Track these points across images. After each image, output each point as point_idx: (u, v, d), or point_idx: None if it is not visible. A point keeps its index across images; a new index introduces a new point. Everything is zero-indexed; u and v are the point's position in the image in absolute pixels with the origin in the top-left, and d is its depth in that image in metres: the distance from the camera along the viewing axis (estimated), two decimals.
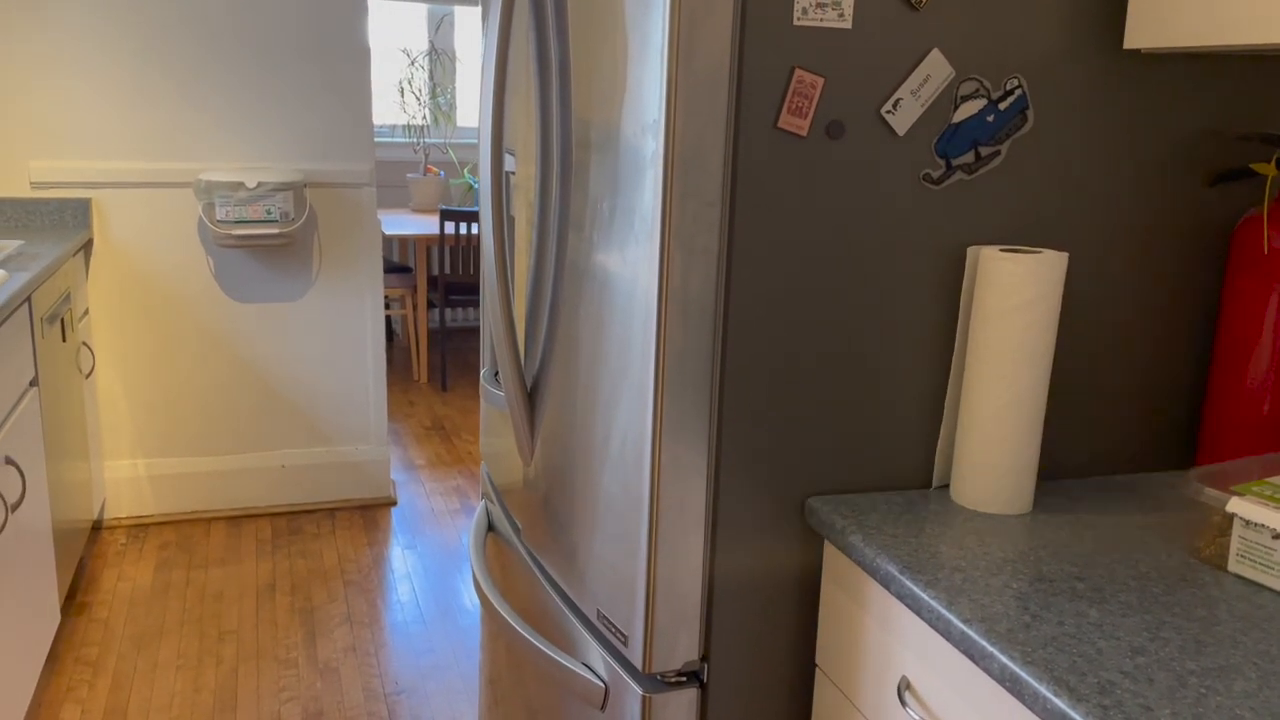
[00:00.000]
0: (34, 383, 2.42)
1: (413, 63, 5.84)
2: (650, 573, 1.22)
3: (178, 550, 3.23)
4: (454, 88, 5.95)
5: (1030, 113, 1.22)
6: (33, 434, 2.36)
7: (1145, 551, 1.14)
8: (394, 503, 3.65)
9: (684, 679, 1.27)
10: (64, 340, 2.81)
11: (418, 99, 5.84)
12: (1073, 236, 1.28)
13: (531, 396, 1.55)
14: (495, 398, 1.71)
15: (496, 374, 1.76)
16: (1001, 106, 1.21)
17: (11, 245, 2.73)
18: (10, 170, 3.15)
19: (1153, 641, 0.95)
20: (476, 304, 5.06)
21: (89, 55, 3.13)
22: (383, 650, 2.70)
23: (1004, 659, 0.91)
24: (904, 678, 1.10)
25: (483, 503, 1.92)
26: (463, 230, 4.71)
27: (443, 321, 4.92)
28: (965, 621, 0.97)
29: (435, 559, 3.24)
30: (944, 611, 1.00)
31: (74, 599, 2.90)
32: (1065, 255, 1.17)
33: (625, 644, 1.27)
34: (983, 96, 1.20)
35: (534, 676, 1.63)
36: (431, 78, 5.88)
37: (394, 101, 5.84)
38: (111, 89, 3.17)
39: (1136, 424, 1.37)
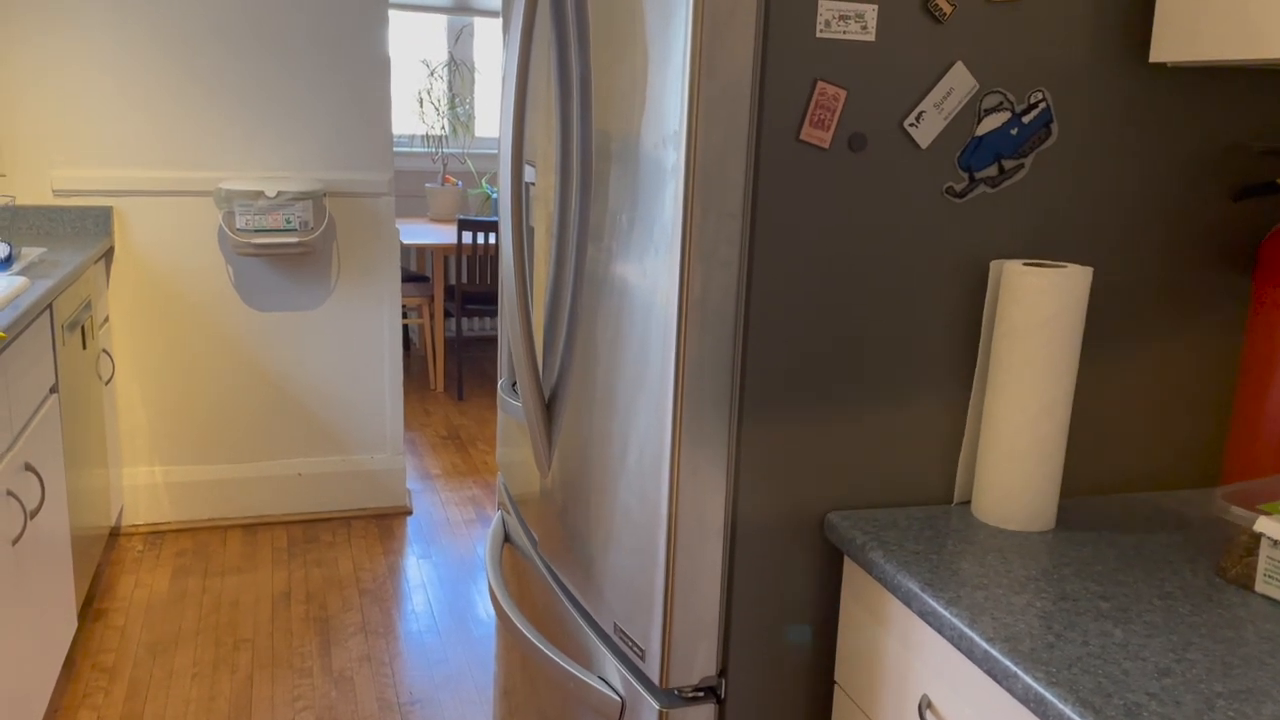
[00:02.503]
0: (54, 389, 2.43)
1: (432, 73, 5.87)
2: (668, 586, 1.21)
3: (194, 557, 3.24)
4: (472, 98, 5.97)
5: (1054, 126, 1.21)
6: (52, 441, 2.37)
7: (1170, 570, 1.12)
8: (409, 512, 3.66)
9: (701, 694, 1.26)
10: (84, 347, 2.82)
11: (436, 109, 5.86)
12: (1097, 251, 1.27)
13: (549, 407, 1.54)
14: (513, 408, 1.71)
15: (514, 384, 1.76)
16: (1025, 119, 1.20)
17: (34, 253, 2.75)
18: (33, 178, 3.17)
19: (1179, 663, 0.93)
20: (493, 313, 5.06)
21: (111, 64, 3.16)
22: (397, 660, 2.70)
23: (1028, 679, 0.90)
24: (925, 696, 1.09)
25: (499, 513, 1.92)
26: (480, 240, 4.72)
27: (459, 331, 4.92)
28: (988, 640, 0.96)
29: (450, 569, 3.24)
30: (966, 630, 0.98)
31: (91, 605, 2.91)
32: (1090, 270, 1.16)
33: (642, 658, 1.26)
34: (1007, 109, 1.19)
35: (549, 689, 1.62)
36: (450, 88, 5.91)
37: (413, 112, 5.87)
38: (133, 98, 3.20)
39: (1160, 440, 1.35)
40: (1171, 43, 1.17)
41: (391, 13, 5.71)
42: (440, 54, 5.90)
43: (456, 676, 2.64)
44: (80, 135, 3.18)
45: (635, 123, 1.22)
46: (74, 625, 2.54)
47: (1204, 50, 1.13)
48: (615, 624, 1.33)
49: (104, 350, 3.16)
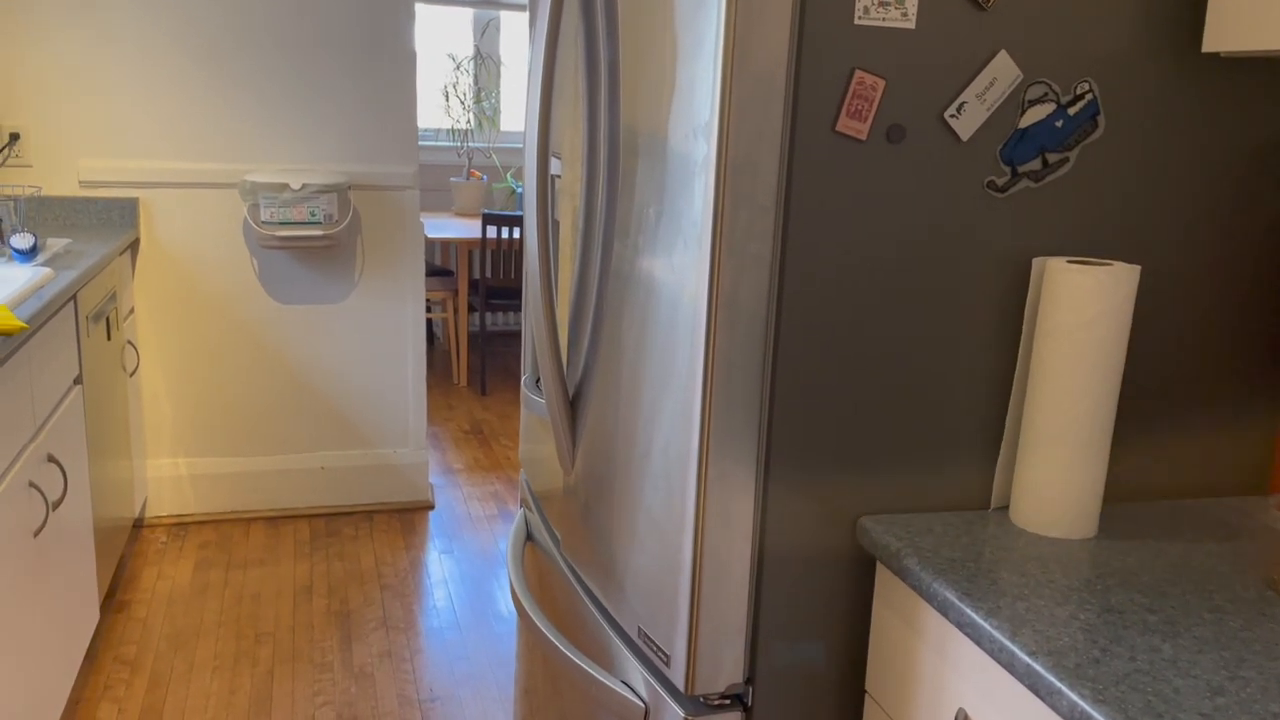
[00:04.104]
0: (78, 380, 2.43)
1: (458, 67, 5.85)
2: (694, 591, 1.17)
3: (217, 550, 3.24)
4: (498, 92, 5.95)
5: (1101, 118, 1.17)
6: (75, 432, 2.36)
7: (1220, 582, 1.08)
8: (432, 506, 3.64)
9: (727, 702, 1.22)
10: (109, 339, 2.82)
11: (462, 103, 5.84)
12: (1144, 249, 1.22)
13: (573, 404, 1.51)
14: (536, 405, 1.68)
15: (538, 380, 1.73)
16: (1071, 111, 1.15)
17: (59, 243, 2.74)
18: (59, 169, 3.17)
19: (1232, 681, 0.89)
20: (517, 308, 5.04)
21: (138, 57, 3.16)
22: (418, 656, 2.68)
23: (1073, 696, 0.86)
24: (961, 710, 1.05)
25: (521, 511, 1.89)
26: (504, 234, 4.70)
27: (483, 325, 4.91)
28: (1031, 654, 0.92)
29: (472, 564, 3.22)
30: (1007, 643, 0.94)
31: (113, 597, 2.92)
32: (1137, 268, 1.12)
33: (667, 664, 1.23)
34: (1051, 101, 1.15)
35: (570, 690, 1.59)
36: (476, 82, 5.89)
37: (438, 105, 5.85)
38: (160, 90, 3.19)
39: (1208, 446, 1.30)
40: (1225, 31, 1.12)
41: (418, 6, 5.70)
42: (466, 48, 5.88)
43: (477, 674, 2.62)
44: (107, 127, 3.18)
45: (664, 114, 1.19)
46: (96, 616, 2.54)
47: (1260, 39, 1.08)
48: (639, 627, 1.30)
49: (129, 342, 3.16)
